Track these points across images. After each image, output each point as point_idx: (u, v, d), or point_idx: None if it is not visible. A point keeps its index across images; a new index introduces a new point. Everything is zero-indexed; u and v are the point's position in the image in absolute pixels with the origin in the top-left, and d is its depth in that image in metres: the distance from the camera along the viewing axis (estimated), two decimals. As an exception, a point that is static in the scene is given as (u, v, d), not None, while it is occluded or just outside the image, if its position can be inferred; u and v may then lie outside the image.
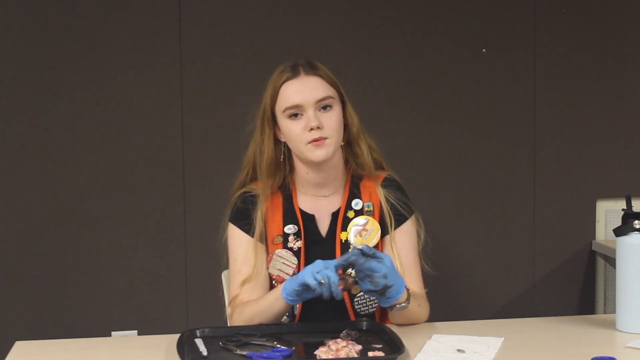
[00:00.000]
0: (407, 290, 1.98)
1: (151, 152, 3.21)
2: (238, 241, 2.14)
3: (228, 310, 2.17)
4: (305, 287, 1.88)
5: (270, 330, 1.95)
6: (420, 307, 2.08)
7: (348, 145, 2.17)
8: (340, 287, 1.87)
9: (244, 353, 1.79)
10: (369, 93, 3.22)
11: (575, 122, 3.41)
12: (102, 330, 3.16)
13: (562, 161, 3.42)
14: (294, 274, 2.09)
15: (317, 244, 2.13)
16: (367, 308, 2.11)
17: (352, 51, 3.26)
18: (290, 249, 2.11)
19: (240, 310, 2.07)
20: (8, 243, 3.17)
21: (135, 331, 3.21)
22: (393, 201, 2.15)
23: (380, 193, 2.15)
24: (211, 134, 3.23)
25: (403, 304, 1.96)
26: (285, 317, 2.09)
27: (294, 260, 2.10)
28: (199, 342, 1.87)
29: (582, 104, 3.41)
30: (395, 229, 2.13)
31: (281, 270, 2.11)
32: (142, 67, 3.19)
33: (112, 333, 3.19)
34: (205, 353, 1.80)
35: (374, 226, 2.12)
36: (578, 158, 3.42)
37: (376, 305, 2.12)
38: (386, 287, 1.90)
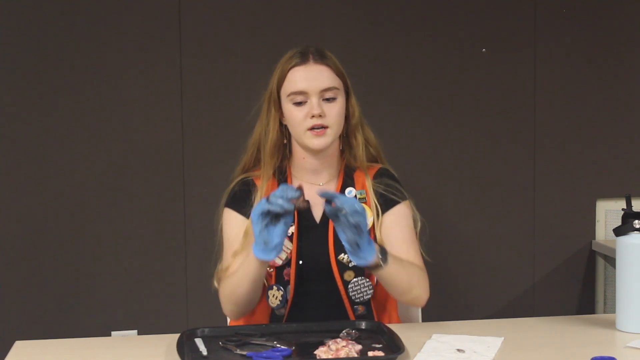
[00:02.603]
0: (384, 250, 1.96)
1: (151, 152, 3.21)
2: (233, 222, 2.16)
3: (215, 281, 2.16)
4: (264, 220, 1.86)
5: (270, 330, 1.95)
6: (411, 276, 2.05)
7: (346, 136, 2.20)
8: (294, 201, 1.85)
9: (244, 353, 1.79)
10: (368, 93, 3.21)
11: (575, 122, 3.42)
12: (102, 330, 3.16)
13: (562, 161, 3.42)
14: (286, 258, 2.10)
15: (311, 229, 2.14)
16: (361, 295, 2.11)
17: (351, 51, 3.26)
18: None
19: (225, 282, 2.08)
20: (8, 243, 3.17)
21: (135, 331, 3.21)
22: (383, 190, 2.17)
23: (370, 185, 2.17)
24: (211, 134, 3.23)
25: (381, 264, 1.94)
26: (278, 303, 2.10)
27: (288, 244, 2.11)
28: (199, 342, 1.87)
29: (582, 104, 3.41)
30: (384, 213, 2.15)
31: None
32: (142, 67, 3.19)
33: (112, 333, 3.19)
34: (205, 353, 1.80)
35: (367, 212, 2.13)
36: (578, 158, 3.43)
37: (371, 292, 2.12)
38: (359, 229, 1.85)
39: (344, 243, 1.89)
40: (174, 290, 3.25)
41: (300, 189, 1.87)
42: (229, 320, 2.31)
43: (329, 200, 1.88)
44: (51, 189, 3.17)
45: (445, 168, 3.36)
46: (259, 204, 1.86)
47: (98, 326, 3.18)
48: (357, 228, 1.85)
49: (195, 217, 3.21)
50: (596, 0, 3.38)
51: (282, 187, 1.87)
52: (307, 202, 1.89)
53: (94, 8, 3.15)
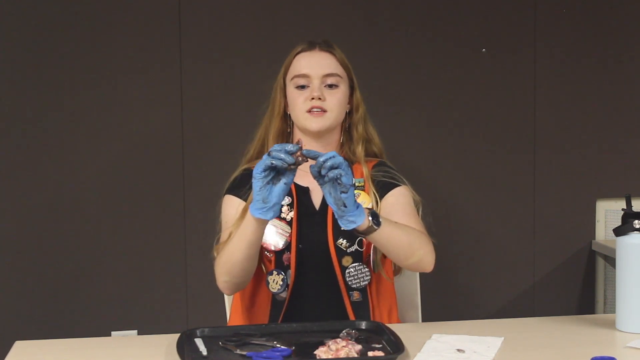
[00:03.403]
0: (375, 214, 1.93)
1: (151, 152, 3.21)
2: (231, 206, 2.17)
3: (214, 251, 2.16)
4: (266, 177, 1.84)
5: (270, 330, 1.95)
6: (411, 238, 2.02)
7: (348, 129, 2.23)
8: (294, 156, 1.83)
9: (244, 353, 1.79)
10: (368, 93, 3.21)
11: (575, 122, 3.42)
12: (102, 330, 3.16)
13: (562, 161, 3.42)
14: (286, 242, 2.11)
15: (310, 216, 2.15)
16: (358, 281, 2.12)
17: (351, 51, 3.22)
18: (284, 219, 2.13)
19: (221, 251, 2.07)
20: (8, 243, 3.17)
21: (135, 331, 3.21)
22: (381, 176, 2.18)
23: (368, 174, 2.18)
24: (211, 134, 3.23)
25: (373, 226, 1.91)
26: (278, 288, 2.10)
27: (287, 228, 2.12)
28: (199, 342, 1.87)
29: (582, 104, 3.41)
30: (383, 196, 2.15)
31: (271, 242, 2.12)
32: (142, 67, 3.19)
33: (112, 333, 3.19)
34: (205, 353, 1.80)
35: (365, 199, 2.15)
36: (578, 158, 3.42)
37: (368, 278, 2.13)
38: (342, 185, 1.82)
39: (331, 206, 1.86)
40: (174, 290, 3.25)
41: (299, 143, 1.85)
42: (228, 320, 2.32)
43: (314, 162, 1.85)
44: (51, 189, 3.17)
45: (444, 168, 3.36)
46: (261, 160, 1.85)
47: (98, 326, 3.18)
48: (340, 184, 1.82)
49: (195, 217, 3.21)
50: (596, 0, 3.38)
51: (281, 143, 1.87)
52: (305, 157, 1.85)
53: (94, 8, 3.15)
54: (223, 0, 3.22)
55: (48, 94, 3.15)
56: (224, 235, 2.16)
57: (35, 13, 3.13)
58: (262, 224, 1.94)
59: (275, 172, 1.86)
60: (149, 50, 3.19)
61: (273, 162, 1.83)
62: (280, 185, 1.86)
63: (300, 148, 1.84)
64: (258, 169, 1.85)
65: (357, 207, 1.88)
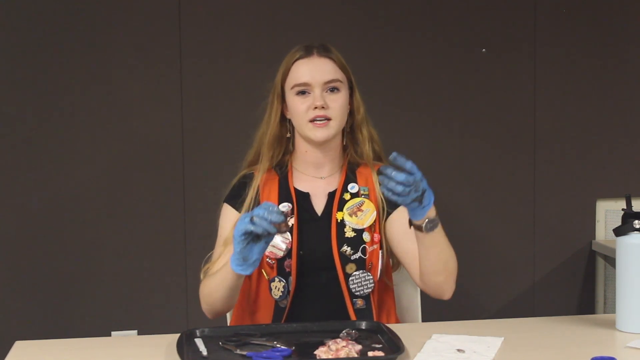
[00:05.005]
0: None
1: (151, 152, 3.21)
2: (226, 217, 2.18)
3: (202, 273, 2.16)
4: (246, 239, 1.86)
5: (270, 330, 1.95)
6: (451, 255, 2.07)
7: (351, 131, 2.22)
8: (276, 225, 1.84)
9: (244, 353, 1.79)
10: (368, 93, 3.21)
11: (575, 122, 3.42)
12: (102, 330, 3.16)
13: (562, 161, 3.42)
14: (286, 249, 2.10)
15: (312, 222, 2.15)
16: (362, 288, 2.12)
17: (351, 51, 3.22)
18: None
19: (205, 281, 2.09)
20: (8, 243, 3.17)
21: (135, 331, 3.21)
22: None
23: (375, 179, 2.17)
24: (211, 134, 3.23)
25: (435, 219, 1.96)
26: (280, 294, 2.10)
27: (287, 235, 2.11)
28: (199, 342, 1.87)
29: (582, 104, 3.41)
30: (395, 209, 2.14)
31: (274, 247, 2.11)
32: (142, 67, 3.19)
33: (112, 333, 3.19)
34: (205, 353, 1.80)
35: (370, 207, 2.15)
36: (578, 158, 3.42)
37: (372, 285, 2.12)
38: (424, 191, 1.98)
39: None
40: (174, 290, 3.25)
41: (285, 214, 1.86)
42: (229, 320, 2.32)
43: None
44: (51, 189, 3.17)
45: (445, 168, 3.36)
46: (243, 222, 1.85)
47: (98, 326, 3.18)
48: (402, 196, 1.92)
49: (195, 217, 3.21)
50: (596, 0, 3.38)
51: (266, 206, 1.84)
52: (287, 226, 1.87)
53: (94, 8, 3.15)
54: (223, 0, 3.22)
55: (48, 94, 3.15)
56: (215, 253, 2.16)
57: (35, 13, 3.13)
58: (242, 275, 1.96)
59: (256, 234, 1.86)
60: (149, 50, 3.19)
61: (254, 229, 1.83)
62: (261, 244, 1.88)
63: (285, 220, 1.85)
64: (239, 232, 1.85)
65: (431, 195, 1.97)
